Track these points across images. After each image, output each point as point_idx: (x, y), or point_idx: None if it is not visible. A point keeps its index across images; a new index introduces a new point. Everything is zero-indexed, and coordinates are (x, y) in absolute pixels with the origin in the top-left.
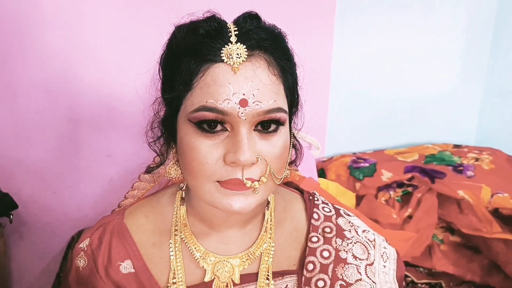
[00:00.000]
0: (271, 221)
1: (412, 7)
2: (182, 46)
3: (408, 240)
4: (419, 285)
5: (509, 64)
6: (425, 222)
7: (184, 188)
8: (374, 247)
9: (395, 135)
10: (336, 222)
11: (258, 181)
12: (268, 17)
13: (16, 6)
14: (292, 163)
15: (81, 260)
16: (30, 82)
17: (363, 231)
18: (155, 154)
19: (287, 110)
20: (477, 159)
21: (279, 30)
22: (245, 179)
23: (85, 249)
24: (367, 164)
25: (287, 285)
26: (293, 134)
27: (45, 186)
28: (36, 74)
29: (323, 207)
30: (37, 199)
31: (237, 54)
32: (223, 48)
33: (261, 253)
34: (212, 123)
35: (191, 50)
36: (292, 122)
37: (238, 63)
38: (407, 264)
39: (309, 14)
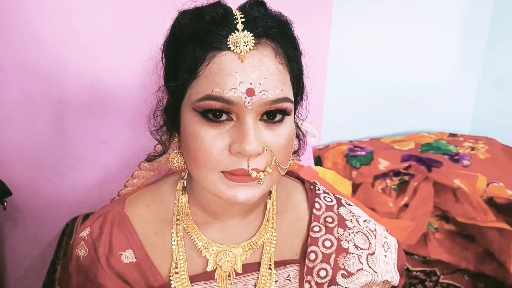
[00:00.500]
0: (273, 210)
1: None
2: (187, 33)
3: (406, 229)
4: (414, 272)
5: (505, 54)
6: (421, 211)
7: (185, 177)
8: (375, 236)
9: (391, 124)
10: (338, 212)
11: (263, 171)
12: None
13: None
14: (295, 153)
15: (82, 250)
16: (20, 67)
17: (364, 220)
18: (154, 142)
19: (293, 100)
20: (473, 148)
21: (285, 17)
22: (251, 169)
23: (86, 238)
24: (364, 153)
25: (289, 275)
26: (297, 124)
27: (39, 173)
28: (25, 59)
29: (324, 197)
30: (31, 186)
31: (244, 42)
32: (229, 36)
33: (263, 242)
34: (217, 112)
35: (196, 37)
36: (297, 111)
37: (245, 52)
38: None
39: (307, 1)
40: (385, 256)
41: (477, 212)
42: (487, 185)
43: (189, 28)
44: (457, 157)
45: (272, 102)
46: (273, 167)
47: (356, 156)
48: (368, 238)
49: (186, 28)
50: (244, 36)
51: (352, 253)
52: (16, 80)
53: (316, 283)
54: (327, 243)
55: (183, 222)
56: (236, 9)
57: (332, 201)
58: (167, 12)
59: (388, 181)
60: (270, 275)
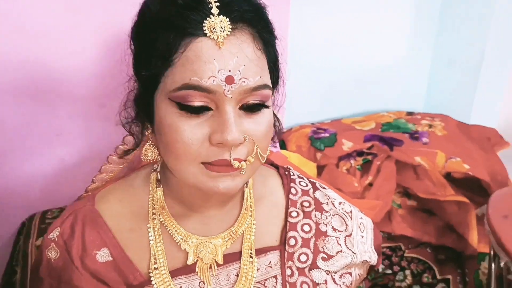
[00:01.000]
0: (250, 198)
1: None
2: (158, 19)
3: (374, 208)
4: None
5: (456, 35)
6: (385, 189)
7: (158, 170)
8: (351, 218)
9: (350, 104)
10: (314, 195)
11: (245, 161)
12: None
13: None
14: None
15: (52, 252)
16: None
17: (340, 203)
18: (109, 133)
19: (271, 86)
20: (430, 126)
21: (260, 1)
22: (233, 159)
23: (56, 239)
24: (327, 135)
25: (270, 262)
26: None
27: None
28: None
29: (299, 182)
30: None
31: (221, 28)
32: (205, 21)
33: (243, 231)
34: (196, 103)
35: (168, 22)
36: (273, 97)
37: (223, 37)
38: None
39: None
40: (362, 236)
41: (437, 187)
42: (446, 161)
43: (160, 13)
44: (416, 135)
45: (252, 90)
46: (254, 156)
47: (320, 138)
48: (344, 220)
49: (156, 14)
50: (221, 21)
51: (331, 236)
52: None
53: (298, 268)
54: (306, 228)
55: (159, 215)
56: None
57: (307, 185)
58: None
59: (352, 161)
60: (252, 263)
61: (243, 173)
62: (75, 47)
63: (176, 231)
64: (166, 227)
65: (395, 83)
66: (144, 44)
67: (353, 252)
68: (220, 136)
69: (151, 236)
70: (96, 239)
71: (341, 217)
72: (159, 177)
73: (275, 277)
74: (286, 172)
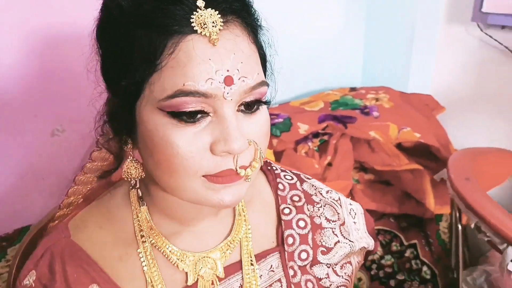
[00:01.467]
0: (242, 202)
1: None
2: (133, 16)
3: (346, 188)
4: None
5: (387, 8)
6: (344, 167)
7: (138, 186)
8: (340, 206)
9: (293, 86)
10: (302, 188)
11: (250, 167)
12: None
13: None
14: None
15: None
16: None
17: (327, 192)
18: (48, 147)
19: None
20: (377, 99)
21: None
22: (239, 168)
23: (33, 285)
24: (281, 120)
25: (271, 266)
26: None
27: None
28: None
29: (284, 175)
30: None
31: (213, 23)
32: (192, 16)
33: (240, 239)
34: (191, 112)
35: (147, 20)
36: None
37: (216, 33)
38: None
39: None
40: (355, 223)
41: (391, 158)
42: (398, 131)
43: (135, 9)
44: (366, 110)
45: (251, 89)
46: (258, 160)
47: (274, 124)
48: (335, 209)
49: (130, 10)
50: (211, 15)
51: (326, 228)
52: None
53: (299, 267)
54: (301, 223)
55: (149, 237)
56: None
57: (292, 178)
58: None
59: (309, 143)
60: (254, 271)
61: (249, 180)
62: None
63: (170, 251)
64: (159, 249)
65: (332, 61)
66: (117, 48)
67: (350, 240)
68: (224, 145)
69: (144, 261)
70: (81, 276)
71: (332, 206)
72: (140, 194)
73: (279, 280)
74: (269, 167)
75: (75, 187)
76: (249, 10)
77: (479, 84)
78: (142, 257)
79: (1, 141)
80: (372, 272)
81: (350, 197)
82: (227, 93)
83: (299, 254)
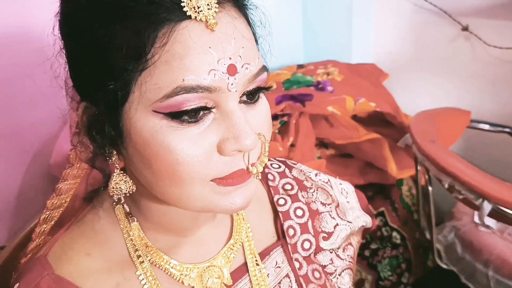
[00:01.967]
0: None
1: None
2: (109, 5)
3: (320, 167)
4: None
5: None
6: (308, 146)
7: (123, 201)
8: (331, 187)
9: None
10: (293, 175)
11: (259, 162)
12: None
13: None
14: None
15: None
16: None
17: (316, 174)
18: None
19: None
20: (328, 74)
21: None
22: (251, 166)
23: None
24: None
25: (276, 262)
26: None
27: None
28: None
29: (271, 164)
30: None
31: (208, 5)
32: (183, 0)
33: (242, 240)
34: (194, 112)
35: (127, 8)
36: None
37: (212, 16)
38: None
39: None
40: (348, 202)
41: (350, 131)
42: (355, 103)
43: None
44: (321, 86)
45: (254, 76)
46: (266, 154)
47: None
48: (327, 190)
49: (105, 0)
50: None
51: (323, 212)
52: None
53: (304, 258)
54: (299, 212)
55: (146, 256)
56: None
57: (279, 166)
58: None
59: None
60: (260, 271)
61: (259, 177)
62: None
63: (172, 267)
64: (159, 267)
65: (271, 39)
66: (91, 46)
67: (348, 221)
68: (235, 142)
69: (145, 284)
70: None
71: (324, 189)
72: (128, 210)
73: (287, 276)
74: None
75: (48, 212)
76: None
77: (418, 47)
78: (143, 279)
79: None
80: None
81: None
82: (231, 84)
83: (302, 244)
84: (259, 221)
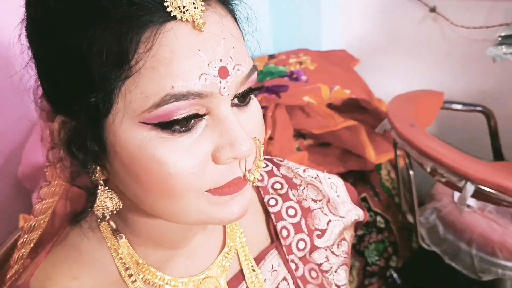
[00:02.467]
0: None
1: None
2: (82, 8)
3: (303, 160)
4: None
5: None
6: (286, 138)
7: (108, 218)
8: (321, 182)
9: None
10: (281, 174)
11: (256, 168)
12: None
13: None
14: None
15: None
16: None
17: (304, 170)
18: None
19: None
20: (300, 63)
21: None
22: (248, 172)
23: None
24: None
25: (272, 265)
26: None
27: None
28: None
29: None
30: None
31: (193, 3)
32: (166, 0)
33: (236, 247)
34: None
35: (105, 10)
36: None
37: (199, 16)
38: None
39: None
40: (338, 196)
41: (327, 119)
42: (330, 91)
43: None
44: (294, 76)
45: (246, 77)
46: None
47: None
48: (316, 186)
49: (80, 2)
50: None
51: (315, 209)
52: None
53: (300, 258)
54: (291, 211)
55: (138, 274)
56: None
57: (267, 165)
58: None
59: None
60: (257, 277)
61: (256, 183)
62: None
63: (166, 283)
64: (153, 285)
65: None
66: (67, 53)
67: (340, 216)
68: (231, 150)
69: None
70: None
71: (313, 185)
72: (114, 226)
73: (285, 279)
74: None
75: (26, 235)
76: None
77: (387, 31)
78: None
79: None
80: None
81: None
82: (224, 87)
83: (297, 245)
84: (251, 224)
